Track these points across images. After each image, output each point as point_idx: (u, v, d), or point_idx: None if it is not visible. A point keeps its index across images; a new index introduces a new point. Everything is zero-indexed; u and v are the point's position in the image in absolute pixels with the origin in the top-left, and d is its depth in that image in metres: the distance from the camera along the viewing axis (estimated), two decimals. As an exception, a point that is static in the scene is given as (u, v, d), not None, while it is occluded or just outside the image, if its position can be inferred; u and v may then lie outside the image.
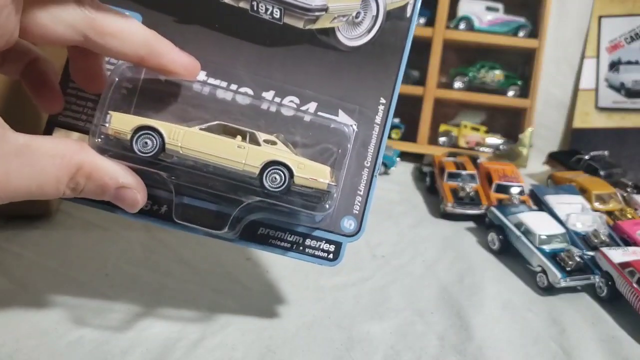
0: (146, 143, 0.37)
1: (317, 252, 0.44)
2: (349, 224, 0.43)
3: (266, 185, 0.38)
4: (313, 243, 0.44)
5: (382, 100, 0.44)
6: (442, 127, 1.08)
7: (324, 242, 0.44)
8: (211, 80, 0.41)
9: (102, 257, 0.58)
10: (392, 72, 0.44)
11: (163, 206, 0.42)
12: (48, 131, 0.41)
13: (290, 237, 0.43)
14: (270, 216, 0.43)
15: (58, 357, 0.44)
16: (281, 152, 0.39)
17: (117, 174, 0.35)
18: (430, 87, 1.07)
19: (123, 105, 0.38)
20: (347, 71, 0.43)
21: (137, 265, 0.57)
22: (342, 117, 0.43)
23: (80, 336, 0.46)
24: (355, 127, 0.42)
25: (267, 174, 0.38)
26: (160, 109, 0.40)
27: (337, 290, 0.57)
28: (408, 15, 0.44)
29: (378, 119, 0.44)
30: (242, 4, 0.42)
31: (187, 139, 0.38)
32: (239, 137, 0.39)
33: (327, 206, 0.40)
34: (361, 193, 0.43)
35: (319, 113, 0.42)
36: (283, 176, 0.38)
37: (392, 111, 0.44)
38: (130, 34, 0.35)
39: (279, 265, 0.59)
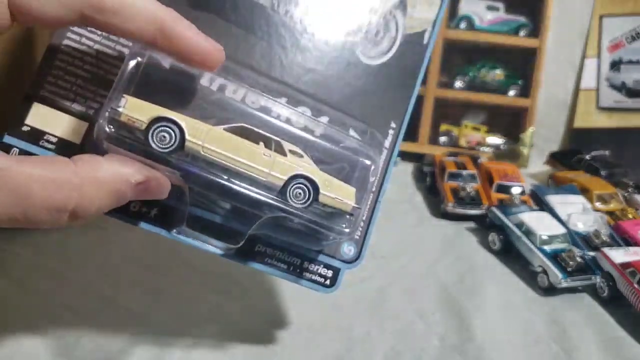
0: (164, 137, 0.33)
1: (314, 277, 0.41)
2: (349, 250, 0.42)
3: (289, 200, 0.36)
4: (311, 267, 0.41)
5: (393, 125, 0.43)
6: (443, 127, 1.07)
7: (322, 266, 0.41)
8: (221, 80, 0.38)
9: (102, 257, 0.58)
10: (405, 97, 0.43)
11: (153, 209, 0.38)
12: (26, 105, 0.36)
13: (289, 257, 0.41)
14: (273, 234, 0.40)
15: (57, 357, 0.44)
16: (307, 166, 0.37)
17: (127, 170, 0.31)
18: (430, 86, 1.07)
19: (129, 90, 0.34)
20: (361, 89, 0.42)
21: (137, 265, 0.57)
22: (353, 139, 0.41)
23: (79, 336, 0.46)
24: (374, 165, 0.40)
25: (291, 187, 0.36)
26: (166, 99, 0.35)
27: (337, 290, 0.57)
28: (425, 42, 0.43)
29: (387, 143, 0.43)
30: (262, 0, 0.40)
31: (211, 139, 0.34)
32: (261, 144, 0.36)
33: (347, 230, 0.38)
34: (364, 218, 0.41)
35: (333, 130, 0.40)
36: (308, 192, 0.36)
37: (401, 138, 0.43)
38: (137, 11, 0.31)
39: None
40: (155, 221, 0.38)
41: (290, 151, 0.37)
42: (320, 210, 0.37)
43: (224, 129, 0.35)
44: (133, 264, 0.57)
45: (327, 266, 0.41)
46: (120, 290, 0.52)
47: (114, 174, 0.31)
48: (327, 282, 0.42)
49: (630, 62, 1.07)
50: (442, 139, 1.07)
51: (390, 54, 0.43)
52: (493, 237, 0.71)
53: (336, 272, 0.42)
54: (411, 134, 1.06)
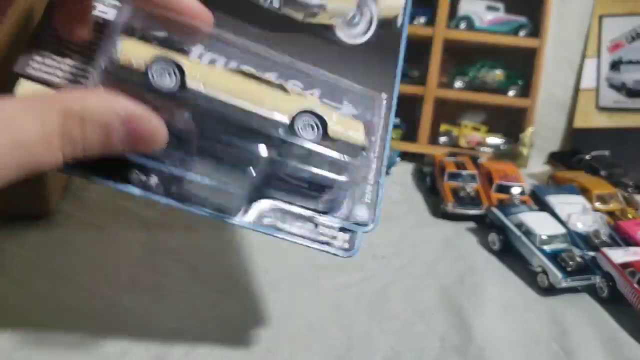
0: (164, 77, 0.33)
1: (330, 240, 0.41)
2: (361, 213, 0.42)
3: (299, 135, 0.35)
4: (327, 231, 0.41)
5: (384, 95, 0.44)
6: (443, 127, 1.07)
7: (338, 229, 0.41)
8: (210, 55, 0.38)
9: (102, 257, 0.58)
10: (390, 70, 0.45)
11: (152, 176, 0.36)
12: (12, 83, 0.35)
13: (304, 222, 0.41)
14: (284, 197, 0.40)
15: (57, 357, 0.44)
16: (313, 102, 0.37)
17: (117, 104, 0.29)
18: (430, 86, 1.07)
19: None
20: (348, 64, 0.43)
21: (137, 265, 0.57)
22: (348, 107, 0.42)
23: (78, 336, 0.46)
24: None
25: (299, 123, 0.35)
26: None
27: (338, 290, 0.57)
28: (399, 25, 0.47)
29: (383, 113, 0.44)
30: None
31: (212, 77, 0.34)
32: (266, 80, 0.36)
33: (344, 180, 0.38)
34: (371, 182, 0.42)
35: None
36: (316, 126, 0.36)
37: (394, 107, 0.44)
38: None
39: (278, 266, 0.59)
40: (157, 189, 0.37)
41: (294, 88, 0.37)
42: (333, 145, 0.37)
43: (226, 69, 0.35)
44: (133, 264, 0.57)
45: (343, 229, 0.41)
46: (120, 290, 0.52)
47: (102, 106, 0.29)
48: (346, 245, 0.41)
49: (630, 62, 1.07)
50: (442, 139, 1.07)
51: (369, 34, 0.45)
52: (493, 237, 0.71)
53: (353, 235, 0.42)
54: (411, 134, 1.06)
